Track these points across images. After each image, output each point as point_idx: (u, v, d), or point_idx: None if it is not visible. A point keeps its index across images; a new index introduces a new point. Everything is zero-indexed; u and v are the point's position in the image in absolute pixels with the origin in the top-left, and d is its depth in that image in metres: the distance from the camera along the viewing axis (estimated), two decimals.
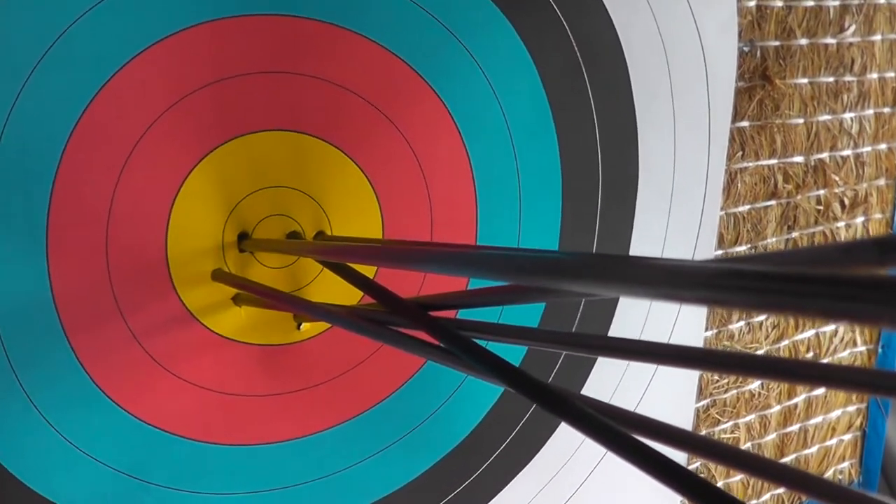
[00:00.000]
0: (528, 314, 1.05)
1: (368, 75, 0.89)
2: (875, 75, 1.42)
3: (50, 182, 0.76)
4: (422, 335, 0.59)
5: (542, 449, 1.11)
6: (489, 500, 1.10)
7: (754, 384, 1.38)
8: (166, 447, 0.88)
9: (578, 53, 1.02)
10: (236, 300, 0.88)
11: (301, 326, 0.91)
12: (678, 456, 1.05)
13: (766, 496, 1.49)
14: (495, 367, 0.51)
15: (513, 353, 1.06)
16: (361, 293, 0.88)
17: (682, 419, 1.28)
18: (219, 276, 0.85)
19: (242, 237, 0.87)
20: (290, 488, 0.95)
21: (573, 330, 1.06)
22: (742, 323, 1.32)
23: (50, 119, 0.75)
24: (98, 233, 0.80)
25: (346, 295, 0.83)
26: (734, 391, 1.36)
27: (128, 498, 0.86)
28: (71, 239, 0.78)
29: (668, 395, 1.22)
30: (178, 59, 0.80)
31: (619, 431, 0.44)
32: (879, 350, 1.59)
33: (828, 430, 1.56)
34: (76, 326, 0.80)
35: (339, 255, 0.69)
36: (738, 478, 1.43)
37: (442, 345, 0.56)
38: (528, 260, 0.43)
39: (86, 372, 0.82)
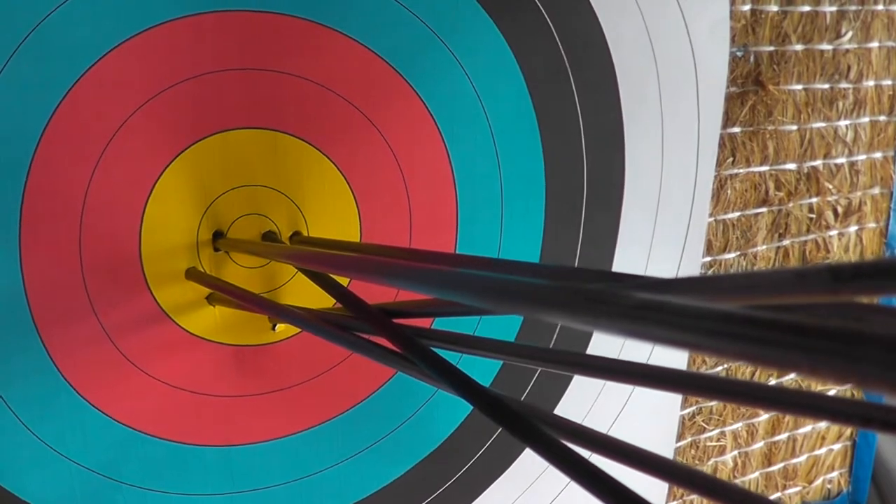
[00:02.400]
0: (506, 325, 1.04)
1: (348, 74, 0.88)
2: (871, 83, 1.40)
3: (24, 176, 0.75)
4: (387, 343, 0.58)
5: (522, 454, 1.10)
6: None
7: None
8: (138, 446, 0.87)
9: (564, 55, 1.01)
10: (210, 299, 0.87)
11: (276, 327, 0.90)
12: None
13: None
14: (453, 378, 0.50)
15: (488, 366, 1.05)
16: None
17: (667, 426, 1.27)
18: (192, 274, 0.84)
19: (217, 236, 0.86)
20: (264, 490, 0.94)
21: (552, 343, 1.05)
22: None
23: (24, 112, 0.74)
24: (72, 228, 0.79)
25: (322, 297, 0.81)
26: None
27: (99, 497, 0.85)
28: (44, 234, 0.77)
29: (652, 402, 1.21)
30: (155, 54, 0.79)
31: (580, 460, 0.43)
32: None
33: (817, 440, 1.54)
34: (48, 322, 0.80)
35: (309, 262, 0.68)
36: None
37: (402, 353, 0.55)
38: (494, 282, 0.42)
39: (57, 369, 0.81)
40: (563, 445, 0.42)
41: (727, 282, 0.35)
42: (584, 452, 0.49)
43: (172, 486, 0.90)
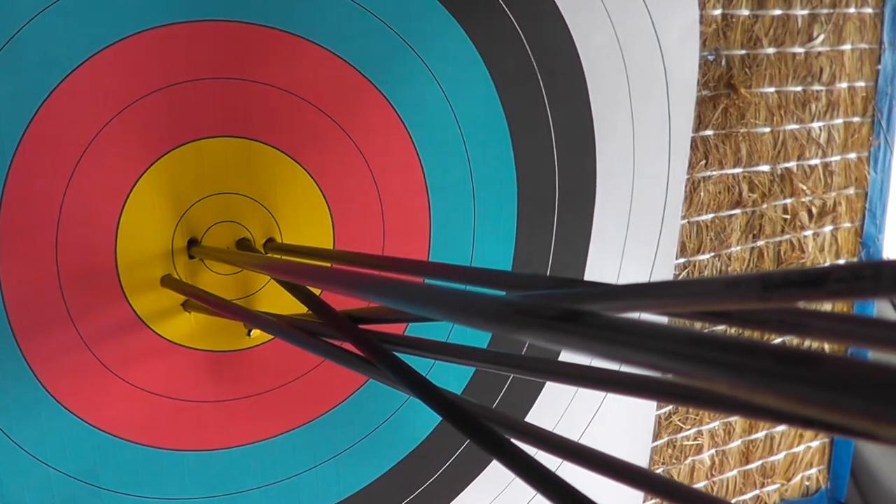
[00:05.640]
0: (481, 332, 1.05)
1: (319, 82, 0.90)
2: (844, 84, 1.42)
3: (0, 187, 0.76)
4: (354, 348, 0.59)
5: (495, 459, 1.11)
6: None
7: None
8: (117, 452, 0.88)
9: (534, 62, 1.02)
10: (186, 306, 0.88)
11: (251, 333, 0.91)
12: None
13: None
14: (414, 383, 0.51)
15: (462, 374, 1.06)
16: None
17: (643, 427, 1.28)
18: (167, 282, 0.85)
19: (192, 243, 0.87)
20: (241, 493, 0.95)
21: (524, 351, 1.06)
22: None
23: None
24: (48, 238, 0.80)
25: (296, 303, 0.83)
26: None
27: (77, 501, 0.86)
28: (21, 243, 0.78)
29: (627, 403, 1.23)
30: (128, 65, 0.80)
31: (544, 471, 0.44)
32: None
33: (795, 437, 1.56)
34: (26, 331, 0.81)
35: (277, 272, 0.70)
36: (702, 483, 1.44)
37: (367, 357, 0.56)
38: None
39: (36, 377, 0.82)
40: (525, 454, 0.43)
41: (663, 290, 0.36)
42: (555, 459, 0.50)
43: (151, 491, 0.91)
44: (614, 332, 0.25)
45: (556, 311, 0.27)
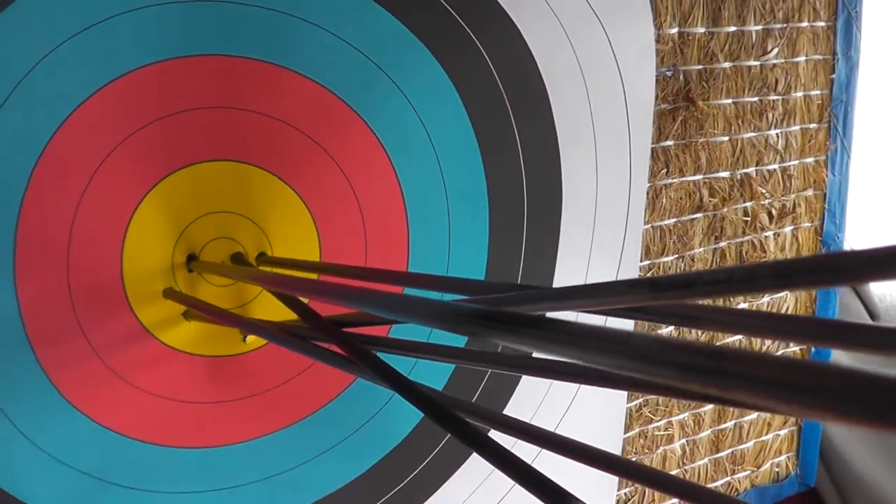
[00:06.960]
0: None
1: (305, 110, 0.98)
2: (800, 94, 1.50)
3: (16, 212, 0.84)
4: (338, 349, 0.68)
5: (471, 449, 1.19)
6: (427, 498, 1.18)
7: None
8: (125, 450, 0.95)
9: (501, 86, 1.11)
10: (186, 316, 0.96)
11: (246, 339, 0.99)
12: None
13: None
14: (392, 378, 0.60)
15: (442, 371, 1.15)
16: None
17: (614, 418, 1.36)
18: (169, 294, 0.93)
19: (191, 258, 0.95)
20: (239, 487, 1.03)
21: (500, 349, 1.14)
22: (671, 328, 1.40)
23: (15, 155, 0.83)
24: (60, 257, 0.87)
25: (286, 309, 0.91)
26: None
27: (90, 496, 0.94)
28: (36, 263, 0.86)
29: (599, 393, 1.30)
30: (129, 98, 0.88)
31: (518, 461, 0.52)
32: (812, 351, 1.67)
33: (763, 426, 1.64)
34: (42, 342, 0.88)
35: (269, 283, 0.78)
36: (676, 470, 1.52)
37: (350, 357, 0.65)
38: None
39: (52, 383, 0.89)
40: (498, 445, 0.52)
41: (579, 292, 0.45)
42: (532, 449, 0.57)
43: (156, 486, 0.98)
44: (517, 326, 0.34)
45: (475, 311, 0.36)
